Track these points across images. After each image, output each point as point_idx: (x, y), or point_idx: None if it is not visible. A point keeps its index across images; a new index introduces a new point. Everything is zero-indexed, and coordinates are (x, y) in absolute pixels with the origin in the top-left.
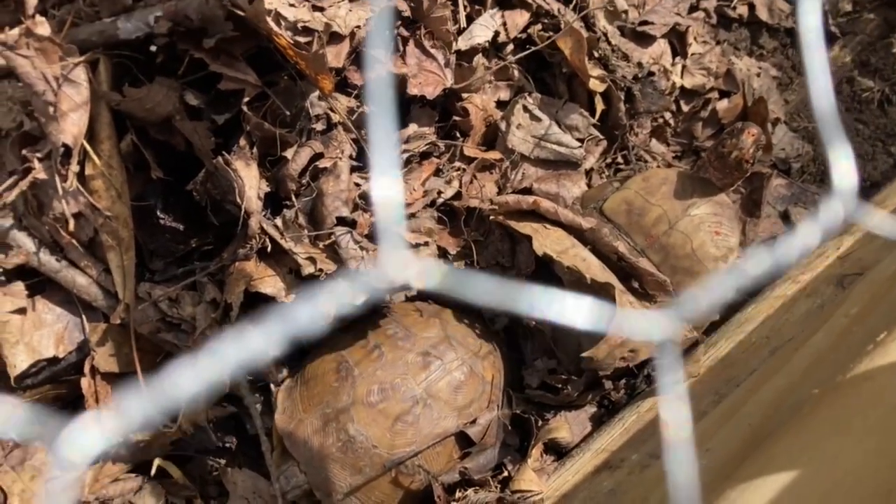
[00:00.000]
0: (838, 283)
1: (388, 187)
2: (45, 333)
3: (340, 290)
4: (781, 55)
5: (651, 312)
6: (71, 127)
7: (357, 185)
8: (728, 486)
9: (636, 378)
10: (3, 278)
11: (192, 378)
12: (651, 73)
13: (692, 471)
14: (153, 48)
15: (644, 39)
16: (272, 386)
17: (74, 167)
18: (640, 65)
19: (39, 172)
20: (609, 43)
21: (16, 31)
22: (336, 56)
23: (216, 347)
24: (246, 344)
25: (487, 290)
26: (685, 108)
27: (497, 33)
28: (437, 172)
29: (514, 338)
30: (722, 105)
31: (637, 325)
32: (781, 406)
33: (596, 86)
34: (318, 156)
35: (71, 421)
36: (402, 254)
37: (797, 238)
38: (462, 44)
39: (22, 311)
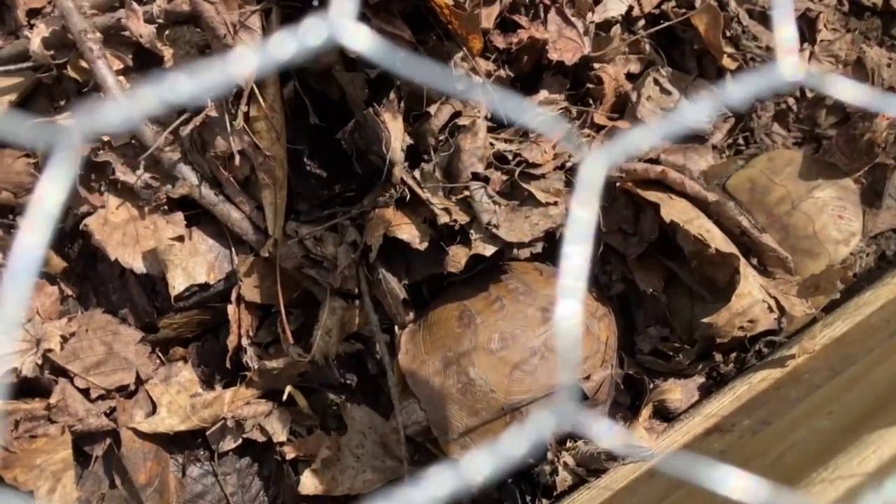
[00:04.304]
0: None
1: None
2: (199, 261)
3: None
4: None
5: None
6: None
7: (491, 144)
8: (864, 431)
9: (747, 352)
10: (165, 207)
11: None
12: None
13: None
14: (315, 3)
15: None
16: (396, 328)
17: (243, 107)
18: (768, 48)
19: (211, 110)
20: (740, 23)
21: None
22: (486, 17)
23: None
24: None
25: None
26: (810, 94)
27: (631, 7)
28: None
29: (627, 304)
30: None
31: None
32: None
33: (729, 63)
34: (457, 114)
35: None
36: (796, 60)
37: None
38: (597, 16)
39: (180, 238)
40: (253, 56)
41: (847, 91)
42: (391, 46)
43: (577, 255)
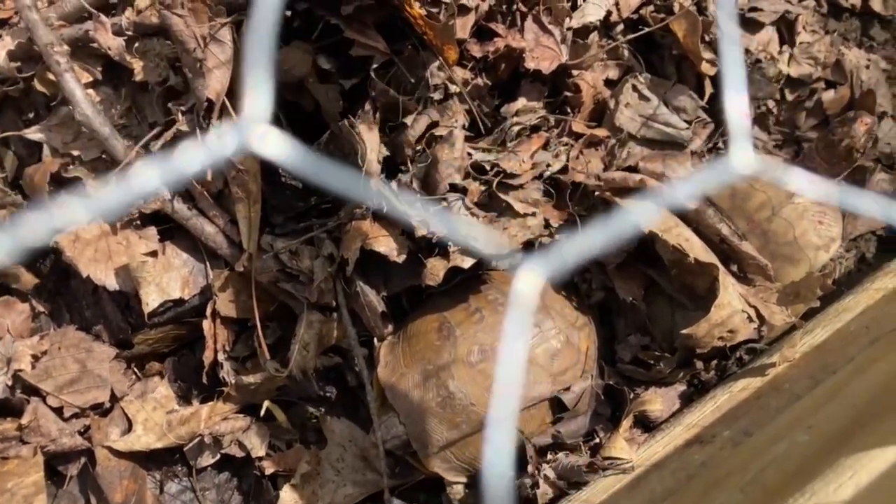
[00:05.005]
0: None
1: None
2: (173, 276)
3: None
4: (892, 48)
5: None
6: (215, 83)
7: (469, 154)
8: (841, 454)
9: (728, 360)
10: (138, 222)
11: None
12: (758, 60)
13: None
14: (288, 13)
15: (752, 26)
16: (375, 341)
17: (215, 121)
18: (747, 51)
19: (182, 124)
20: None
21: None
22: (462, 27)
23: None
24: None
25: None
26: (790, 97)
27: (609, 13)
28: (546, 146)
29: (607, 313)
30: (828, 96)
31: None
32: (890, 388)
33: (707, 69)
34: (434, 124)
35: None
36: (750, 154)
37: None
38: (574, 22)
39: (154, 254)
40: (155, 173)
41: (801, 182)
42: (306, 153)
43: (510, 382)
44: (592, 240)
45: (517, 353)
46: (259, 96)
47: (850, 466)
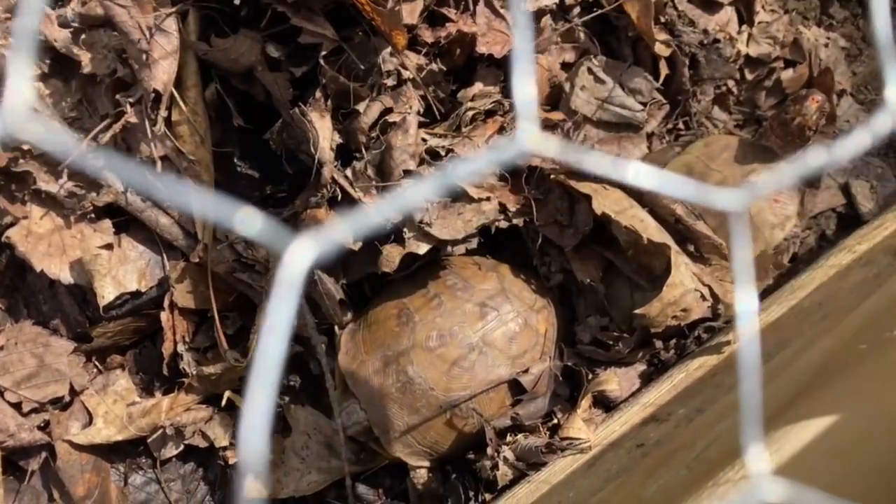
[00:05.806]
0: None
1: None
2: (130, 269)
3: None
4: (852, 25)
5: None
6: (161, 74)
7: (424, 140)
8: (771, 428)
9: (686, 339)
10: (93, 215)
11: None
12: (716, 41)
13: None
14: (236, 2)
15: (710, 6)
16: (336, 329)
17: (163, 112)
18: (705, 31)
19: (131, 116)
20: (675, 8)
21: None
22: (410, 13)
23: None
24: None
25: None
26: (749, 76)
27: None
28: (501, 130)
29: (567, 295)
30: (787, 74)
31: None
32: (830, 365)
33: (661, 50)
34: (388, 110)
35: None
36: (536, 133)
37: (850, 141)
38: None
39: (109, 246)
40: None
41: (596, 165)
42: (68, 137)
43: (273, 353)
44: (369, 220)
45: (281, 328)
46: (20, 82)
47: (776, 440)
